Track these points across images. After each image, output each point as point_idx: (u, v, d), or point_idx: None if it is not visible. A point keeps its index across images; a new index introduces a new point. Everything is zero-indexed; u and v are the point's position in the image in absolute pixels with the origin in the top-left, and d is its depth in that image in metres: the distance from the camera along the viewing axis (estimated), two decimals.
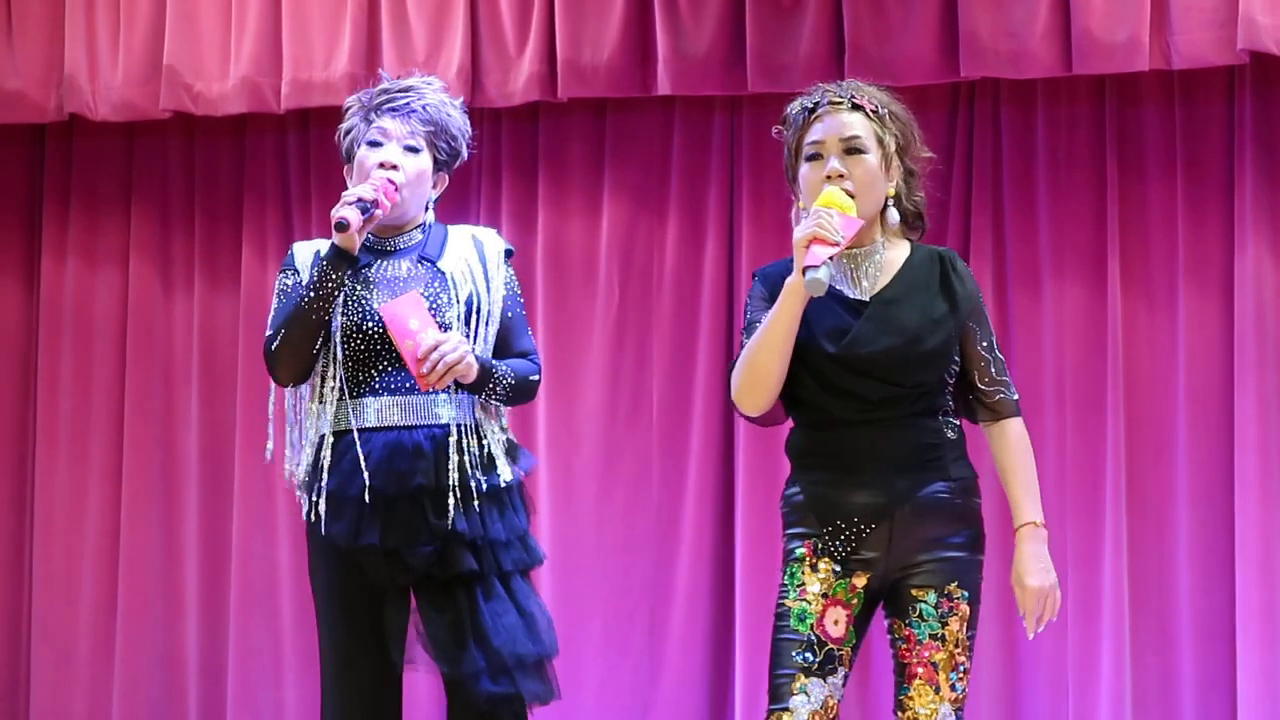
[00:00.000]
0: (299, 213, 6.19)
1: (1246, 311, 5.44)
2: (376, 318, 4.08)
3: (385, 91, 4.23)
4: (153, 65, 6.02)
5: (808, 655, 3.76)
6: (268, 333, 4.14)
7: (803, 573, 3.79)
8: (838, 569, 3.78)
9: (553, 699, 4.15)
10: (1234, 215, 5.49)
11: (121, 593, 6.23)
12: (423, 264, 4.18)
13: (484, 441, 4.15)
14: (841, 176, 3.79)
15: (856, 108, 3.83)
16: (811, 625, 3.77)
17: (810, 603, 3.78)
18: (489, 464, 4.15)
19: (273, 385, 4.23)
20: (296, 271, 4.17)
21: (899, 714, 3.77)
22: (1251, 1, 5.20)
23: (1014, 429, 3.85)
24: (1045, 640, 5.55)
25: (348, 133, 4.26)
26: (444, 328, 4.07)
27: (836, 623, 3.77)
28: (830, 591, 3.78)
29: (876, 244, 3.86)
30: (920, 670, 3.75)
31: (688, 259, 5.92)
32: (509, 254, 4.29)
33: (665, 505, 5.90)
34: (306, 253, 4.20)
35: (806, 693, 3.75)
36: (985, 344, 3.83)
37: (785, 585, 3.81)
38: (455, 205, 5.53)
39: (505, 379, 4.12)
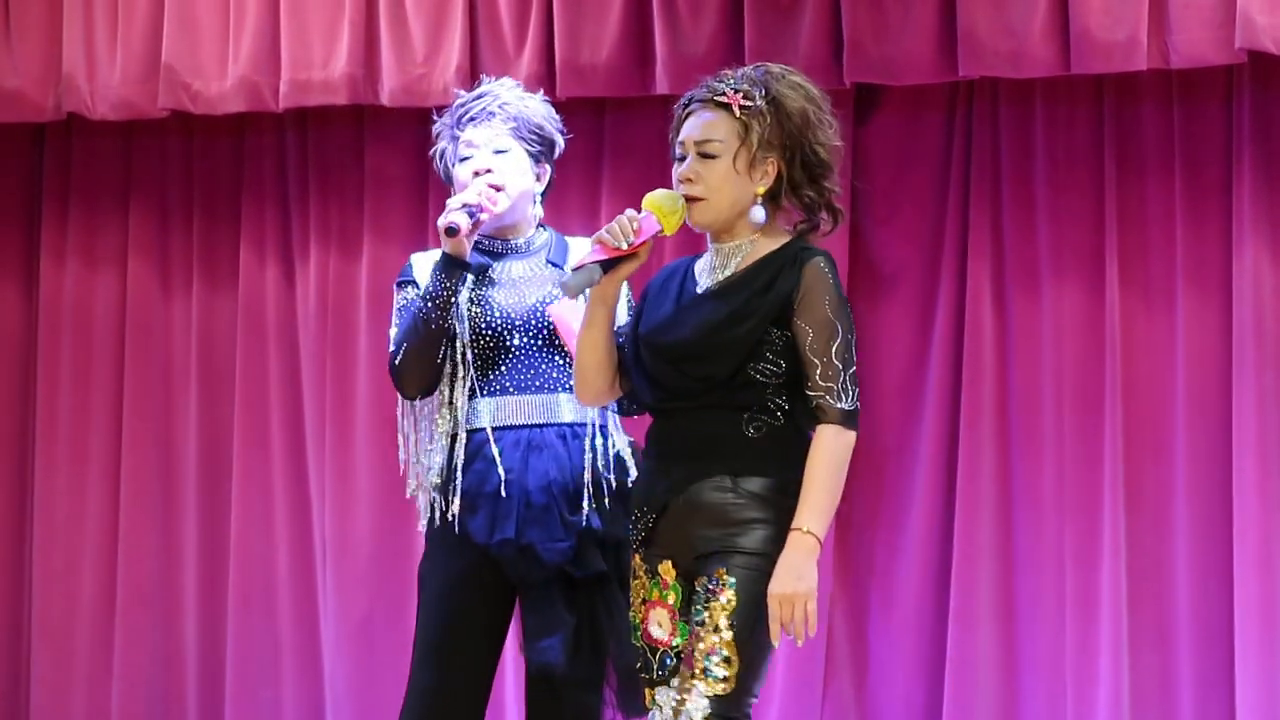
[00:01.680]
0: (297, 212, 6.19)
1: (1245, 311, 5.43)
2: (505, 317, 4.14)
3: (462, 105, 4.29)
4: (151, 64, 6.01)
5: (647, 665, 3.79)
6: (390, 349, 4.18)
7: (634, 581, 3.83)
8: (646, 566, 3.79)
9: (643, 714, 4.15)
10: (1232, 215, 5.48)
11: (120, 591, 6.23)
12: (550, 267, 4.24)
13: (612, 441, 4.20)
14: (690, 180, 3.77)
15: (722, 106, 3.78)
16: (640, 636, 3.80)
17: (636, 612, 3.82)
18: (617, 463, 4.20)
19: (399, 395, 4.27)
20: (415, 284, 4.20)
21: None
22: (1250, 1, 5.19)
23: (822, 436, 3.70)
24: (1043, 639, 5.56)
25: (441, 156, 4.31)
26: None
27: (660, 624, 3.77)
28: (647, 595, 3.80)
29: (743, 241, 3.81)
30: (685, 658, 3.72)
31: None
32: None
33: None
34: (425, 264, 4.22)
35: (658, 704, 3.77)
36: (816, 346, 3.71)
37: (630, 594, 3.86)
38: None
39: None
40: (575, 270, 3.72)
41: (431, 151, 4.36)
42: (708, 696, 3.67)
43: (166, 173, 6.31)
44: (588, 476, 4.14)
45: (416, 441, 4.26)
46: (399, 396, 4.28)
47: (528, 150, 4.25)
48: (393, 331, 4.21)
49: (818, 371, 3.70)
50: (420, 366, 4.14)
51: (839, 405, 3.70)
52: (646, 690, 3.80)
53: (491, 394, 4.15)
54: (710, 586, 3.69)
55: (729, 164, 3.76)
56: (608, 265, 3.73)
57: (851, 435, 3.72)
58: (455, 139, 4.26)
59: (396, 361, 4.16)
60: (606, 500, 4.16)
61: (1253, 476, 5.41)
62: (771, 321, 3.72)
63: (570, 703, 4.12)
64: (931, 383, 5.69)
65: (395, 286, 4.27)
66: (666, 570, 3.78)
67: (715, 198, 3.77)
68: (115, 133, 6.27)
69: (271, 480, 6.14)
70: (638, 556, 3.82)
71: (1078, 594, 5.52)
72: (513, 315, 4.16)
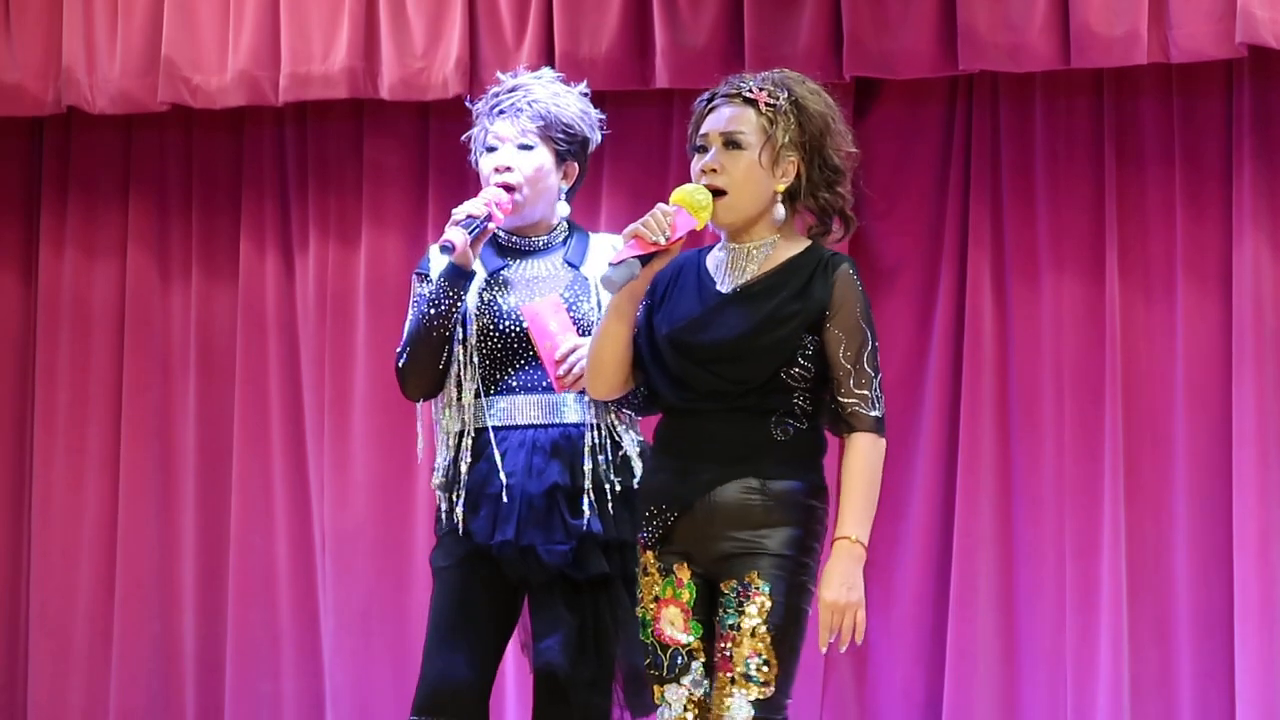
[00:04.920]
0: (296, 205, 6.18)
1: (1245, 304, 5.45)
2: (514, 317, 4.12)
3: (495, 95, 4.26)
4: (151, 58, 6.00)
5: (656, 662, 3.80)
6: (399, 348, 4.18)
7: (643, 577, 3.83)
8: (660, 564, 3.79)
9: (648, 714, 4.13)
10: (1232, 208, 5.50)
11: (119, 584, 6.23)
12: (566, 267, 4.21)
13: (618, 443, 4.18)
14: (715, 171, 3.78)
15: (748, 101, 3.81)
16: (650, 633, 3.80)
17: (647, 609, 3.82)
18: (623, 466, 4.17)
19: None
20: (430, 279, 4.18)
21: (711, 711, 3.77)
22: None
23: (858, 444, 3.73)
24: (1043, 631, 5.57)
25: (473, 141, 4.29)
26: (582, 332, 4.10)
27: (673, 623, 3.78)
28: (660, 593, 3.80)
29: (764, 241, 3.83)
30: (720, 663, 3.73)
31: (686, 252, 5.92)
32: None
33: None
34: (441, 259, 4.19)
35: (667, 701, 3.79)
36: (849, 354, 3.73)
37: (637, 590, 3.86)
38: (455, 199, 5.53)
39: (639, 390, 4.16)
40: (614, 266, 3.71)
41: (464, 136, 4.34)
42: (750, 701, 3.69)
43: (166, 166, 6.30)
44: (588, 480, 4.12)
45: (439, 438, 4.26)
46: None
47: (554, 149, 4.22)
48: (406, 326, 4.20)
49: (851, 379, 3.73)
50: (422, 372, 4.15)
51: (873, 413, 3.73)
52: (655, 688, 3.81)
53: (498, 393, 4.15)
54: (742, 591, 3.70)
55: (754, 158, 3.78)
56: (644, 260, 3.74)
57: (884, 443, 3.75)
58: (485, 129, 4.24)
59: (401, 365, 4.16)
60: (610, 504, 4.13)
61: (1252, 467, 5.42)
62: (806, 328, 3.74)
63: (575, 704, 4.11)
64: (932, 374, 5.70)
65: (414, 276, 4.25)
66: (681, 569, 3.78)
67: (738, 191, 3.78)
68: (115, 126, 6.26)
69: (271, 472, 6.14)
70: (650, 554, 3.82)
71: (1077, 584, 5.54)
72: (520, 317, 4.15)
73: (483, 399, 4.14)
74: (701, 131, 3.83)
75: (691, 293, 3.82)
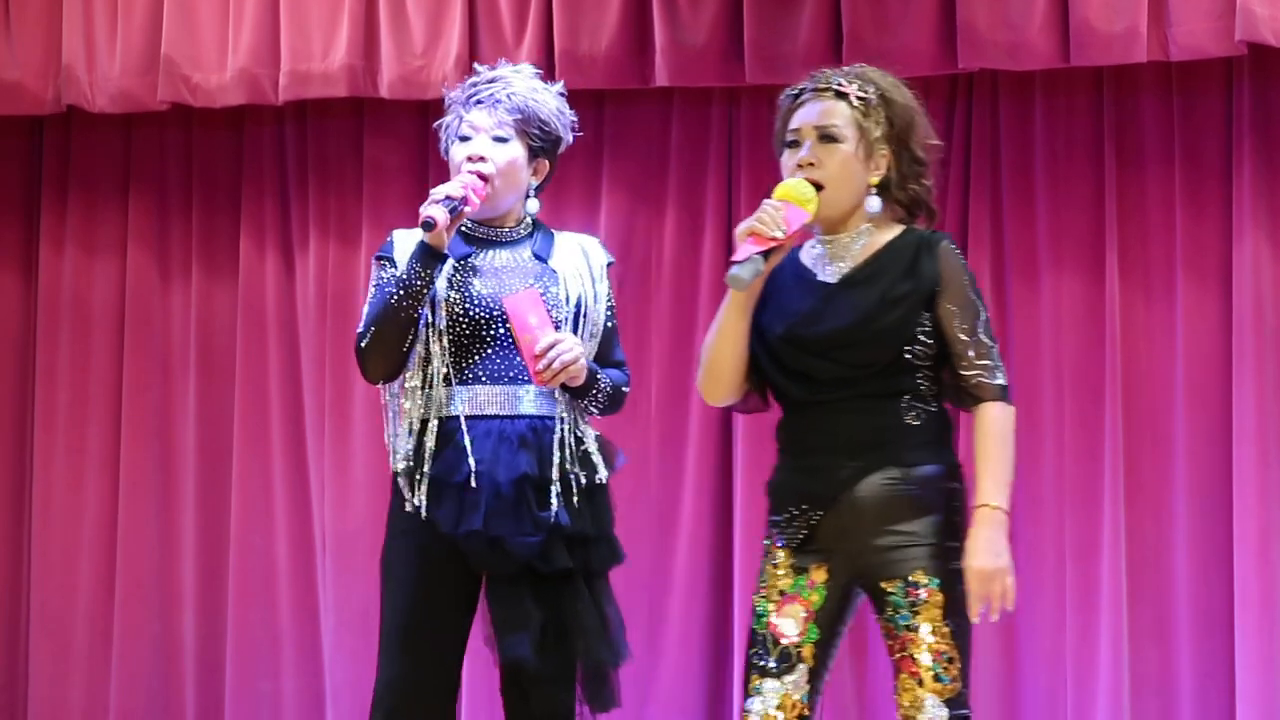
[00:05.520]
0: (296, 203, 6.19)
1: (1244, 301, 5.45)
2: (484, 303, 4.09)
3: (473, 84, 4.23)
4: (150, 56, 6.01)
5: (762, 654, 3.77)
6: (359, 329, 4.14)
7: (770, 567, 3.80)
8: (795, 561, 3.77)
9: (614, 707, 4.13)
10: (1232, 206, 5.50)
11: (119, 583, 6.23)
12: (534, 259, 4.19)
13: (581, 438, 4.16)
14: (812, 165, 3.78)
15: (840, 95, 3.82)
16: (766, 624, 3.77)
17: (768, 600, 3.79)
18: (585, 460, 4.15)
19: None
20: (394, 262, 4.15)
21: (898, 711, 3.75)
22: None
23: (989, 413, 3.75)
24: (1043, 630, 5.57)
25: (444, 129, 4.27)
26: (555, 326, 4.08)
27: (792, 619, 3.76)
28: (786, 589, 3.78)
29: (859, 230, 3.83)
30: (904, 664, 3.72)
31: (686, 250, 5.92)
32: (610, 265, 4.29)
33: (663, 496, 5.90)
34: (406, 243, 4.17)
35: (761, 693, 3.76)
36: (965, 326, 3.76)
37: (759, 579, 3.83)
38: None
39: (605, 387, 4.16)
40: (741, 264, 3.68)
41: (437, 123, 4.33)
42: (944, 701, 3.70)
43: (166, 164, 6.31)
44: (556, 472, 4.09)
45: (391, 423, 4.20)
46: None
47: (528, 144, 4.20)
48: (366, 308, 4.16)
49: (971, 351, 3.76)
50: (386, 353, 4.09)
51: (996, 381, 3.77)
52: (753, 677, 3.77)
53: (465, 382, 4.10)
54: (910, 590, 3.71)
55: (850, 151, 3.80)
56: (765, 255, 3.73)
57: (1013, 409, 3.78)
58: (460, 117, 4.22)
59: (363, 345, 4.10)
60: (575, 497, 4.10)
61: (1252, 466, 5.42)
62: (922, 305, 3.76)
63: (541, 698, 4.06)
64: None
65: (374, 260, 4.21)
66: (818, 571, 3.77)
67: (835, 185, 3.79)
68: (114, 124, 6.27)
69: (271, 472, 6.14)
70: (783, 552, 3.79)
71: (1077, 584, 5.53)
72: (491, 304, 4.10)
73: (451, 386, 4.10)
74: (792, 126, 3.84)
75: (795, 290, 3.82)
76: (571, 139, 4.31)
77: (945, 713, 3.69)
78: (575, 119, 4.32)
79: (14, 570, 6.38)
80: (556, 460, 4.09)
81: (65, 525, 6.30)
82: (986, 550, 3.68)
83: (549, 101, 4.24)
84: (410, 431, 4.13)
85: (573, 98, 5.85)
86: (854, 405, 3.75)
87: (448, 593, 4.08)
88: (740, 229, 3.73)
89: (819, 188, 3.77)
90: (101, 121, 6.23)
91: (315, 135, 6.15)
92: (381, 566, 4.17)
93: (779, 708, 3.74)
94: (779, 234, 3.69)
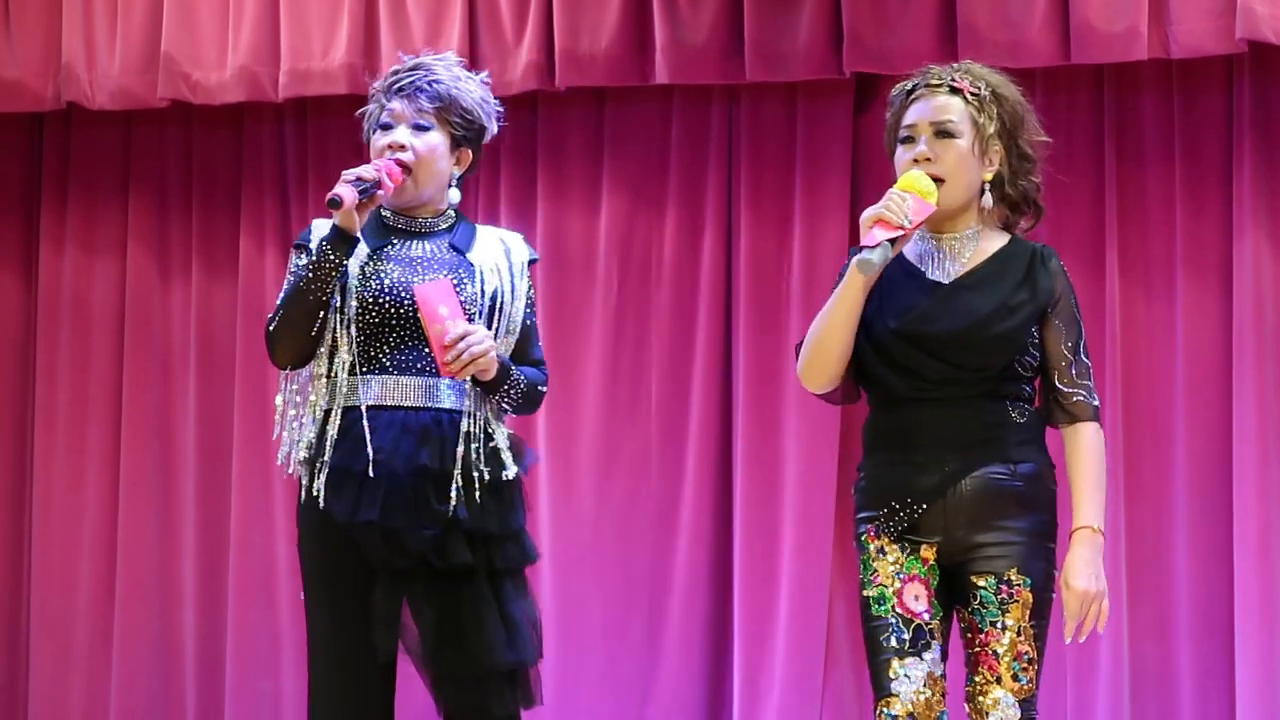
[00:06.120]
0: (296, 201, 6.19)
1: (1245, 299, 5.44)
2: (396, 293, 4.02)
3: (395, 73, 4.17)
4: (150, 54, 6.02)
5: (898, 636, 3.75)
6: (270, 315, 4.07)
7: (872, 560, 3.79)
8: (904, 546, 3.77)
9: (530, 706, 4.06)
10: (1232, 204, 5.49)
11: (119, 583, 6.24)
12: (451, 251, 4.12)
13: (490, 433, 4.09)
14: (929, 160, 3.79)
15: (954, 91, 3.83)
16: (892, 606, 3.75)
17: (886, 585, 3.77)
18: (492, 456, 4.07)
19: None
20: (309, 250, 4.07)
21: (967, 704, 3.76)
22: None
23: (1086, 433, 3.80)
24: None
25: (368, 117, 4.21)
26: (468, 319, 4.01)
27: (917, 598, 3.75)
28: (904, 569, 3.77)
29: (971, 230, 3.85)
30: (983, 659, 3.73)
31: (686, 249, 5.92)
32: (533, 262, 4.24)
33: (664, 496, 5.90)
34: (324, 231, 4.09)
35: (907, 675, 3.73)
36: (1069, 344, 3.80)
37: (861, 576, 3.81)
38: None
39: (519, 384, 4.07)
40: (870, 249, 3.69)
41: (359, 111, 4.26)
42: (1019, 701, 3.71)
43: (166, 162, 6.32)
44: (458, 467, 4.01)
45: (292, 415, 4.10)
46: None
47: (450, 133, 4.12)
48: (282, 292, 4.09)
49: (1074, 370, 3.81)
50: (294, 336, 4.01)
51: (1094, 403, 3.82)
52: (889, 663, 3.74)
53: (372, 372, 4.02)
54: (1004, 587, 3.72)
55: (966, 146, 3.81)
56: (891, 243, 3.73)
57: (1103, 432, 3.83)
58: (382, 105, 4.14)
59: (271, 328, 4.02)
60: (478, 493, 4.01)
61: (1252, 464, 5.42)
62: (1036, 318, 3.79)
63: (438, 698, 4.00)
64: None
65: (292, 248, 4.14)
66: (929, 551, 3.77)
67: (953, 179, 3.80)
68: (114, 122, 6.28)
69: (271, 471, 6.13)
70: (887, 540, 3.78)
71: None
72: (403, 294, 4.01)
73: (357, 376, 4.02)
74: (908, 122, 3.84)
75: (906, 286, 3.82)
76: (497, 129, 4.23)
77: (1018, 713, 3.71)
78: (501, 109, 4.24)
79: (14, 570, 6.39)
80: (460, 453, 4.01)
81: (65, 525, 6.30)
82: (1087, 572, 3.74)
83: (472, 90, 4.16)
84: (314, 420, 4.06)
85: (573, 96, 5.92)
86: (962, 403, 3.77)
87: (363, 590, 3.97)
88: (866, 216, 3.72)
89: (938, 182, 3.78)
90: (101, 119, 6.24)
91: (315, 133, 6.16)
92: (301, 563, 4.10)
93: (926, 685, 3.73)
94: (906, 222, 3.70)
